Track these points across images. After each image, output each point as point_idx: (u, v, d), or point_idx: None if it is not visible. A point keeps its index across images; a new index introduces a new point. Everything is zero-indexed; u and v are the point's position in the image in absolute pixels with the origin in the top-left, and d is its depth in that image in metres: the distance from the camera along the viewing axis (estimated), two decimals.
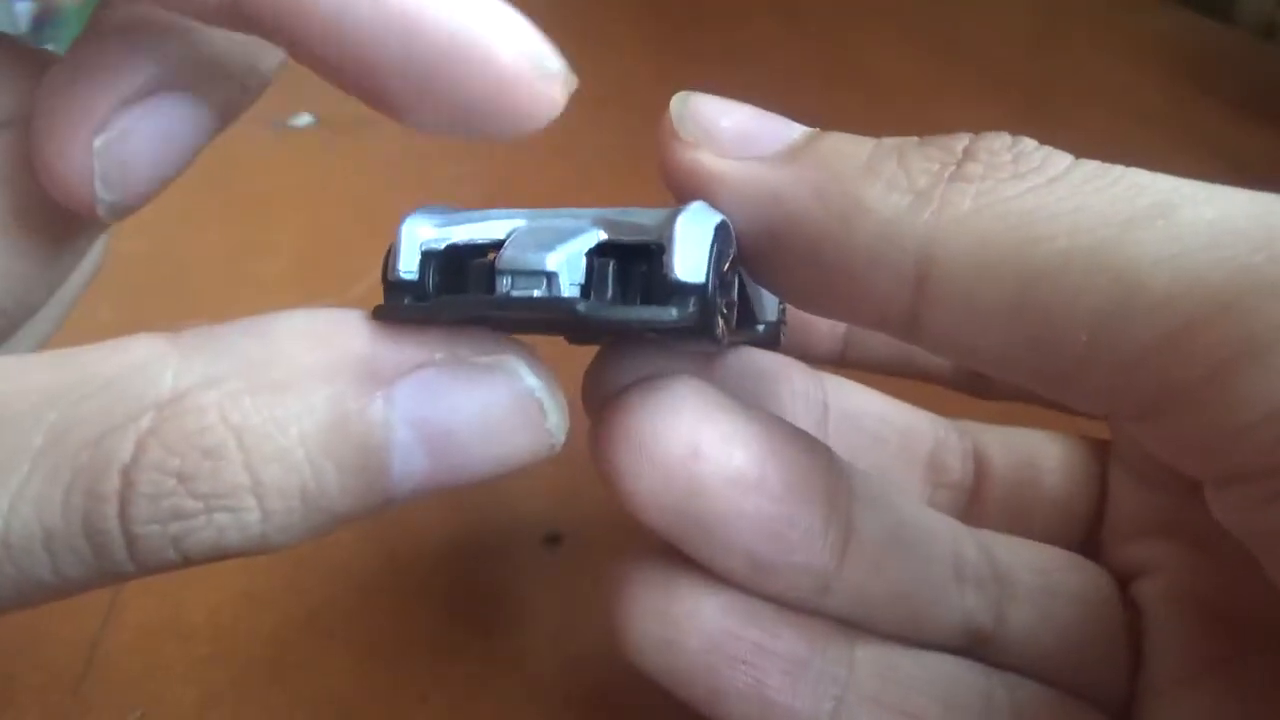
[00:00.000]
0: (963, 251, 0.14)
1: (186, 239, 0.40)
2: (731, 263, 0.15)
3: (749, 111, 0.16)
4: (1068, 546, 0.21)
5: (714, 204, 0.16)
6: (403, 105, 0.13)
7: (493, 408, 0.14)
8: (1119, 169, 0.14)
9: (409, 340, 0.14)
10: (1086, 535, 0.22)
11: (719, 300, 0.15)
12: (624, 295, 0.15)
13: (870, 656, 0.18)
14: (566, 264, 0.14)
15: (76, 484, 0.12)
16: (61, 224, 0.16)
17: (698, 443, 0.16)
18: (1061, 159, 0.14)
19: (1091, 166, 0.14)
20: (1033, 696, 0.19)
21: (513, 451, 0.14)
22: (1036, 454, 0.23)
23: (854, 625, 0.18)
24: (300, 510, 0.13)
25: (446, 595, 0.26)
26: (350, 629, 0.25)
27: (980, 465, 0.23)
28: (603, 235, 0.15)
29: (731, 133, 0.16)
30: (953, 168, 0.14)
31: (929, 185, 0.14)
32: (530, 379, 0.14)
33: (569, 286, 0.14)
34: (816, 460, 0.17)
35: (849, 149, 0.15)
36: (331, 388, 0.13)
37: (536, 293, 0.14)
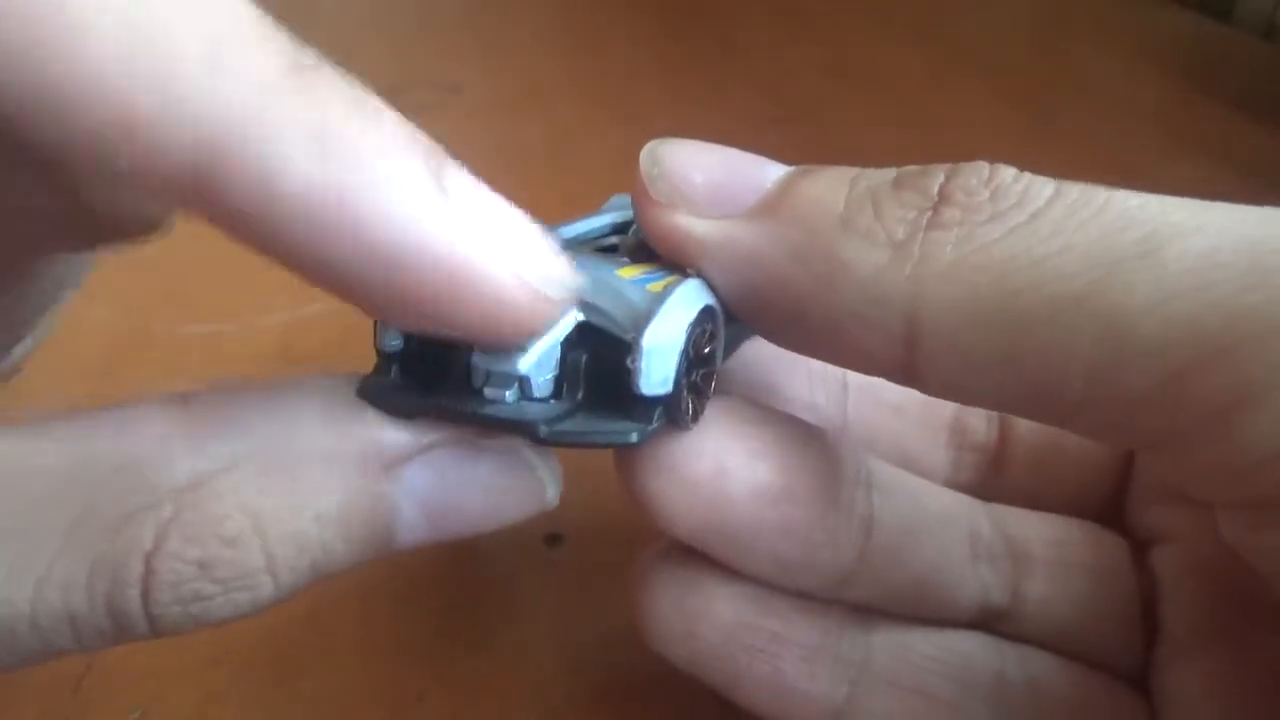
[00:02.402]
0: (948, 306, 0.13)
1: (186, 241, 0.39)
2: (710, 334, 0.15)
3: (720, 158, 0.16)
4: (1092, 507, 0.21)
5: (692, 265, 0.15)
6: (381, 313, 0.13)
7: (496, 488, 0.15)
8: (1103, 195, 0.13)
9: (418, 419, 0.14)
10: (1111, 496, 0.22)
11: (686, 395, 0.15)
12: (597, 388, 0.15)
13: (886, 640, 0.18)
14: (537, 365, 0.14)
15: (100, 570, 0.12)
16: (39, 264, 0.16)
17: (724, 461, 0.16)
18: (1042, 190, 0.14)
19: (1074, 195, 0.13)
20: (1047, 668, 0.19)
21: (509, 517, 0.15)
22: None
23: (871, 610, 0.19)
24: (308, 576, 0.14)
25: (446, 595, 0.26)
26: (350, 629, 0.25)
27: (1005, 425, 0.23)
28: (579, 317, 0.14)
29: (704, 190, 0.15)
30: (929, 213, 0.14)
31: (907, 236, 0.14)
32: (532, 459, 0.15)
33: (541, 384, 0.14)
34: (838, 460, 0.18)
35: (823, 197, 0.15)
36: (345, 474, 0.13)
37: (508, 394, 0.14)
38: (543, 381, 0.14)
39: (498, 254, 0.12)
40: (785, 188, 0.15)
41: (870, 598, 0.18)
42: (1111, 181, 0.14)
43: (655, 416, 0.14)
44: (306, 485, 0.13)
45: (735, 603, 0.18)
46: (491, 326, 0.12)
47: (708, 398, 0.16)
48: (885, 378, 0.15)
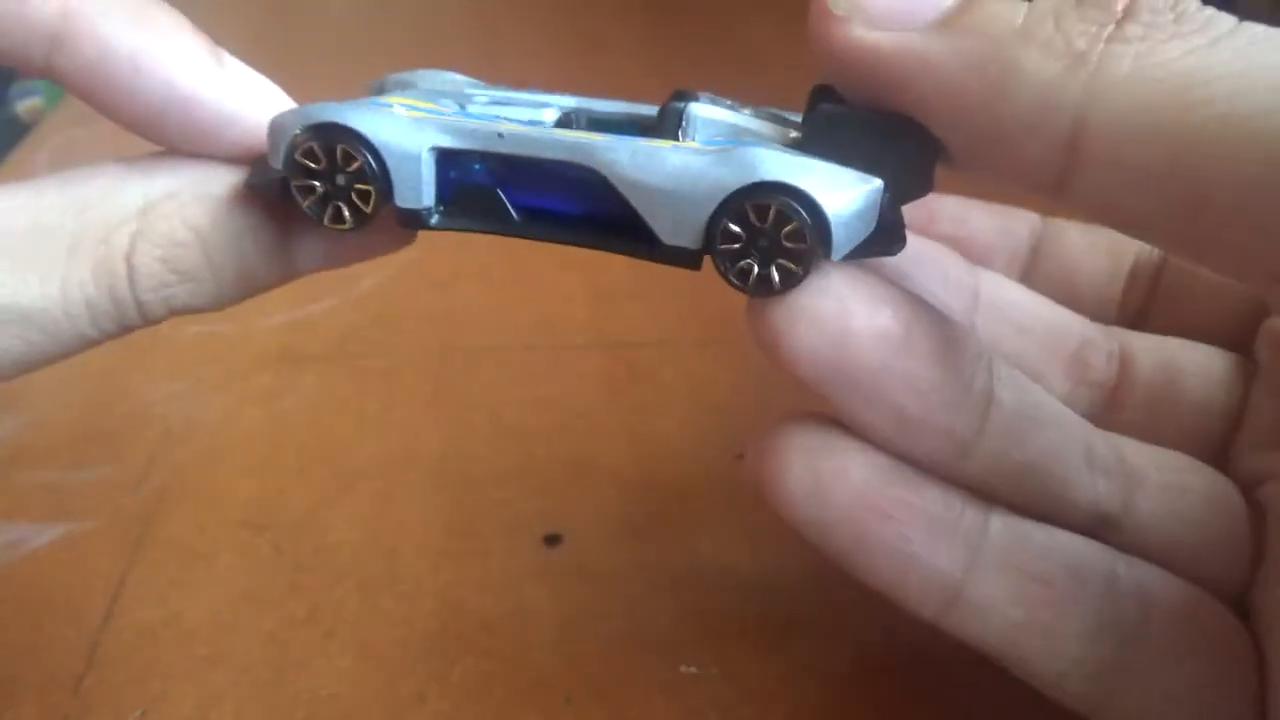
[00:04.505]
0: (1120, 114, 0.14)
1: None
2: (776, 211, 0.16)
3: None
4: (1201, 453, 0.22)
5: (864, 80, 0.16)
6: (171, 143, 0.18)
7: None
8: None
9: None
10: (1221, 445, 0.23)
11: (726, 252, 0.16)
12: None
13: (1004, 524, 0.19)
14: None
15: (100, 269, 0.17)
16: None
17: (848, 301, 0.17)
18: (1226, 20, 0.14)
19: (1258, 29, 0.14)
20: (1155, 578, 0.19)
21: (383, 247, 0.19)
22: (1182, 360, 0.23)
23: (989, 495, 0.19)
24: (236, 285, 0.19)
25: (446, 595, 0.26)
26: (350, 629, 0.25)
27: (1125, 366, 0.24)
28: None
29: (884, 4, 0.16)
30: (1111, 28, 0.14)
31: (1087, 47, 0.14)
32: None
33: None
34: (960, 335, 0.18)
35: (1003, 13, 0.15)
36: (254, 203, 0.18)
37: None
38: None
39: (250, 101, 0.18)
40: (964, 5, 0.16)
41: (988, 479, 0.19)
42: None
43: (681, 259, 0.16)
44: (228, 208, 0.18)
45: (867, 466, 0.18)
46: (250, 147, 0.18)
47: (802, 272, 0.16)
48: (1034, 191, 0.15)
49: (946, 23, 0.15)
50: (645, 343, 0.36)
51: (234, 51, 0.18)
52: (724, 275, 0.16)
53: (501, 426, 0.32)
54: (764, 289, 0.16)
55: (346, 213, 0.17)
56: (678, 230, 0.16)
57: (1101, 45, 0.14)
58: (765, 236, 0.16)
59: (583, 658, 0.24)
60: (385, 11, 0.72)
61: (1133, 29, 0.14)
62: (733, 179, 0.16)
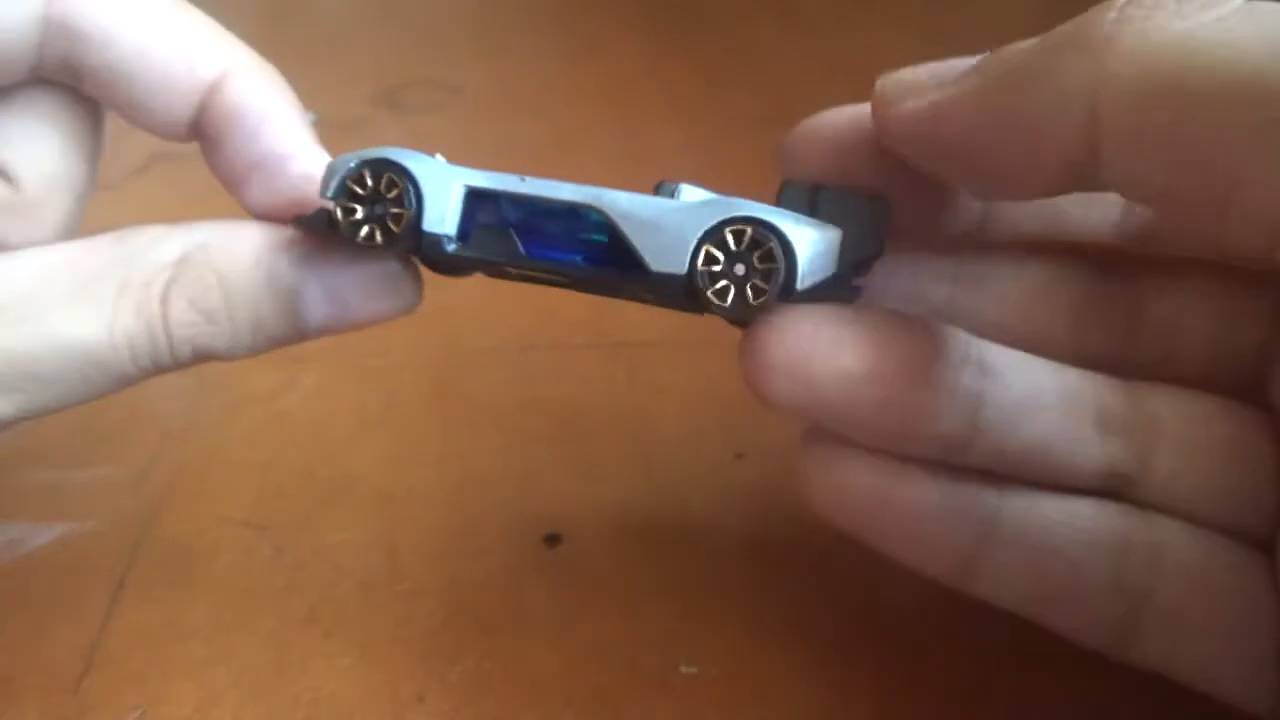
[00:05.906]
0: (1128, 79, 0.15)
1: None
2: (754, 240, 0.18)
3: (936, 64, 0.19)
4: (1228, 385, 0.22)
5: (921, 134, 0.19)
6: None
7: (369, 279, 0.21)
8: None
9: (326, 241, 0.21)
10: (1251, 376, 0.22)
11: (706, 277, 0.18)
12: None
13: (1015, 501, 0.21)
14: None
15: (141, 309, 0.20)
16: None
17: (809, 349, 0.19)
18: (1228, 1, 0.15)
19: (1260, 6, 0.14)
20: (1172, 533, 0.20)
21: (384, 310, 0.21)
22: (1202, 296, 0.23)
23: (996, 474, 0.21)
24: (250, 332, 0.21)
25: (446, 595, 0.26)
26: (350, 629, 0.25)
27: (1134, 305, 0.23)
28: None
29: (926, 76, 0.19)
30: (1114, 14, 0.15)
31: (1093, 31, 0.15)
32: (394, 266, 0.21)
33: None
34: (938, 346, 0.20)
35: (1018, 45, 0.17)
36: (273, 259, 0.21)
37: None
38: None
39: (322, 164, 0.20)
40: (985, 56, 0.18)
41: (989, 463, 0.20)
42: None
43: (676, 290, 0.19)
44: (248, 263, 0.20)
45: (873, 472, 0.20)
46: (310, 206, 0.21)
47: (769, 297, 0.18)
48: (1071, 180, 0.16)
49: (968, 70, 0.18)
50: (645, 343, 0.36)
51: None
52: (703, 295, 0.18)
53: (501, 426, 0.32)
54: (739, 308, 0.18)
55: (378, 233, 0.20)
56: (665, 258, 0.19)
57: (1106, 28, 0.15)
58: (741, 260, 0.18)
59: (583, 658, 0.24)
60: (386, 12, 0.72)
61: (1135, 11, 0.15)
62: (716, 214, 0.19)
